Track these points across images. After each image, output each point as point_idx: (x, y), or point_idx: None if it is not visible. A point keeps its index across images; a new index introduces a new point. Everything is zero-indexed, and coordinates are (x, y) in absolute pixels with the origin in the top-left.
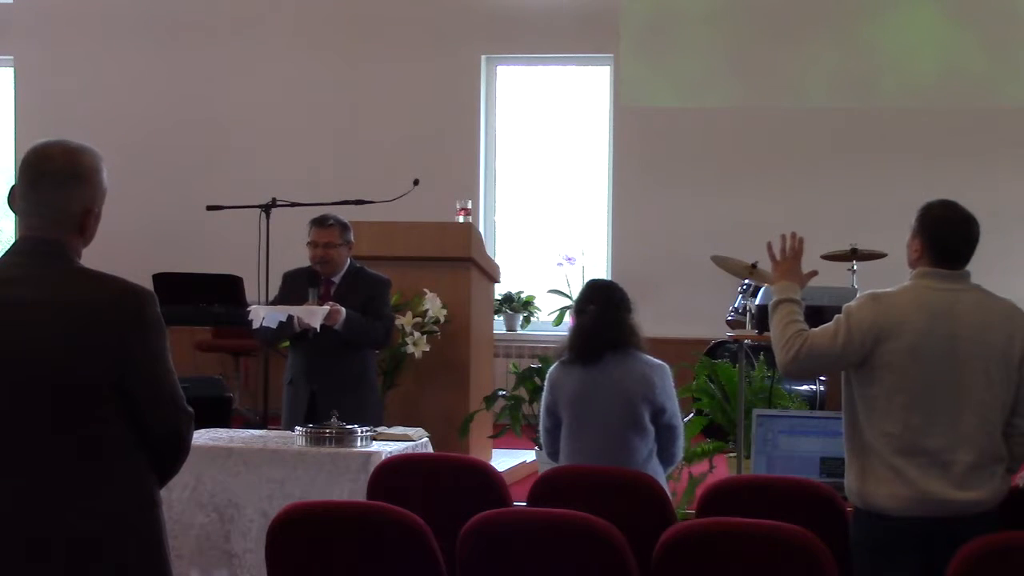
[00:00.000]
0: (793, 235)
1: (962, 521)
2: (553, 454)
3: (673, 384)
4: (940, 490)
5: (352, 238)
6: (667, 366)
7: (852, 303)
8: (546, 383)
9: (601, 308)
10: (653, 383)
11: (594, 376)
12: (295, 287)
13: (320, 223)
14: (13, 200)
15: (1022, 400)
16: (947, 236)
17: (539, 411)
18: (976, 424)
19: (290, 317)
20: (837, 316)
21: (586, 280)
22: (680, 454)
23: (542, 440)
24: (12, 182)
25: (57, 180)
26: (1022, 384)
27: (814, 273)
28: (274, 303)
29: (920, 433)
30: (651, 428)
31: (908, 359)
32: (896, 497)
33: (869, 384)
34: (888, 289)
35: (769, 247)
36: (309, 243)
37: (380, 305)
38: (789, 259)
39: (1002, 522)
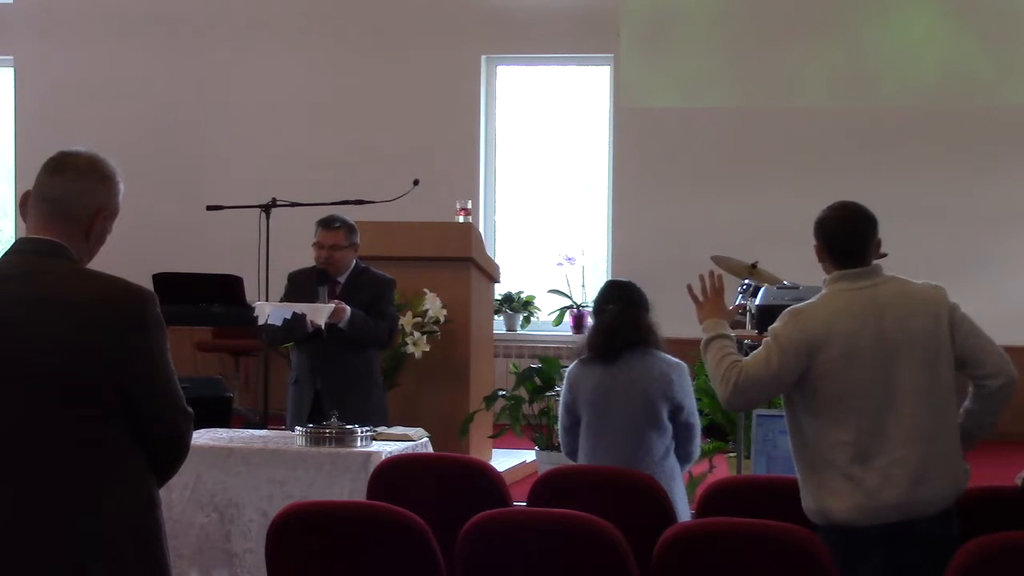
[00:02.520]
0: (711, 273)
1: (924, 520)
2: (572, 452)
3: (691, 383)
4: (900, 495)
5: (358, 240)
6: (685, 365)
7: (776, 324)
8: (565, 381)
9: (620, 307)
10: (672, 381)
11: (614, 374)
12: (300, 287)
13: (327, 225)
14: (25, 205)
15: (969, 356)
16: (836, 236)
17: (539, 411)
18: (925, 414)
19: (297, 315)
20: (765, 339)
21: (606, 280)
22: (697, 452)
23: (560, 438)
24: (12, 182)
25: (79, 171)
26: (963, 345)
27: (739, 308)
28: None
29: (873, 435)
30: (669, 426)
31: (845, 364)
32: (857, 509)
33: (812, 397)
34: (808, 301)
35: (690, 289)
36: (315, 244)
37: (384, 305)
38: (712, 297)
39: (962, 518)
